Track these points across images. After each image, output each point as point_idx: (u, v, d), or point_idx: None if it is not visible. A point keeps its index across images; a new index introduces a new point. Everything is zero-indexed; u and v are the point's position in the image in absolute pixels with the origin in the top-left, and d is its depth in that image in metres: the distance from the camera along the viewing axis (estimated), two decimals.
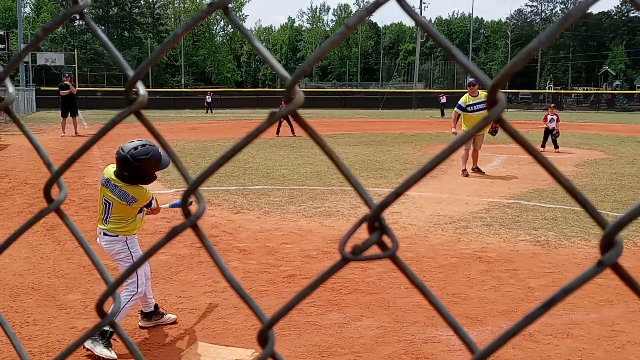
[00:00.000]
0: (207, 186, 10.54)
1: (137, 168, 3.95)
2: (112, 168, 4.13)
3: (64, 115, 20.70)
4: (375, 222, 0.41)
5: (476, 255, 6.46)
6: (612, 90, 66.71)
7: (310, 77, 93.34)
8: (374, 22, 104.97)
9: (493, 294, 5.29)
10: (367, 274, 5.77)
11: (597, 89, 73.33)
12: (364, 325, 4.57)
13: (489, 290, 5.41)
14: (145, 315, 4.48)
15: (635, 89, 69.17)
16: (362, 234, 0.44)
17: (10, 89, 0.61)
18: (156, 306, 4.50)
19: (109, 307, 0.60)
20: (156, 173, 4.08)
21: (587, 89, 73.18)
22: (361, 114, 42.65)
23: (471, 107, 12.01)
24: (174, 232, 0.50)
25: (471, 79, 12.01)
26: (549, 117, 17.42)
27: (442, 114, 40.08)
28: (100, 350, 3.90)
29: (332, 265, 0.46)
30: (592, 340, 4.31)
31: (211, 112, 42.25)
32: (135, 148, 3.96)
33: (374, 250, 0.46)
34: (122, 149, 3.98)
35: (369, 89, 66.56)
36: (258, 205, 8.68)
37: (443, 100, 41.59)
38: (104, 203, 4.08)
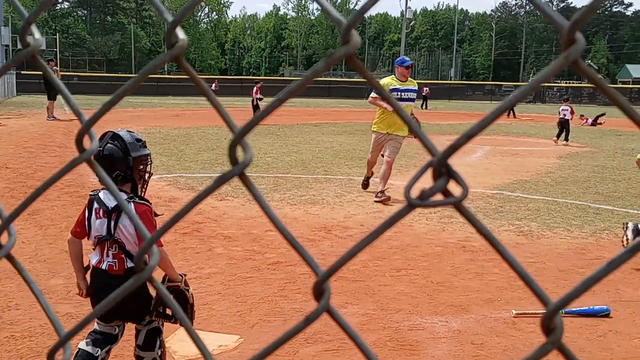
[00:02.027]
0: (190, 173, 10.48)
1: None
2: None
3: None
4: (442, 168, 0.40)
5: (460, 244, 6.50)
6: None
7: (294, 67, 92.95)
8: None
9: (477, 283, 5.33)
10: (351, 262, 5.78)
11: (579, 83, 74.00)
12: (349, 313, 4.57)
13: (473, 278, 5.45)
14: None
15: (617, 83, 69.90)
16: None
17: (37, 34, 0.59)
18: None
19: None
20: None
21: (569, 83, 73.81)
22: (346, 104, 42.61)
23: (397, 94, 8.76)
24: (221, 180, 0.49)
25: (408, 61, 8.96)
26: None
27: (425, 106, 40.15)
28: None
29: (398, 210, 0.45)
30: (575, 329, 4.36)
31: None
32: None
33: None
34: None
35: (353, 79, 66.27)
36: (242, 192, 8.63)
37: (424, 93, 41.56)
38: None
